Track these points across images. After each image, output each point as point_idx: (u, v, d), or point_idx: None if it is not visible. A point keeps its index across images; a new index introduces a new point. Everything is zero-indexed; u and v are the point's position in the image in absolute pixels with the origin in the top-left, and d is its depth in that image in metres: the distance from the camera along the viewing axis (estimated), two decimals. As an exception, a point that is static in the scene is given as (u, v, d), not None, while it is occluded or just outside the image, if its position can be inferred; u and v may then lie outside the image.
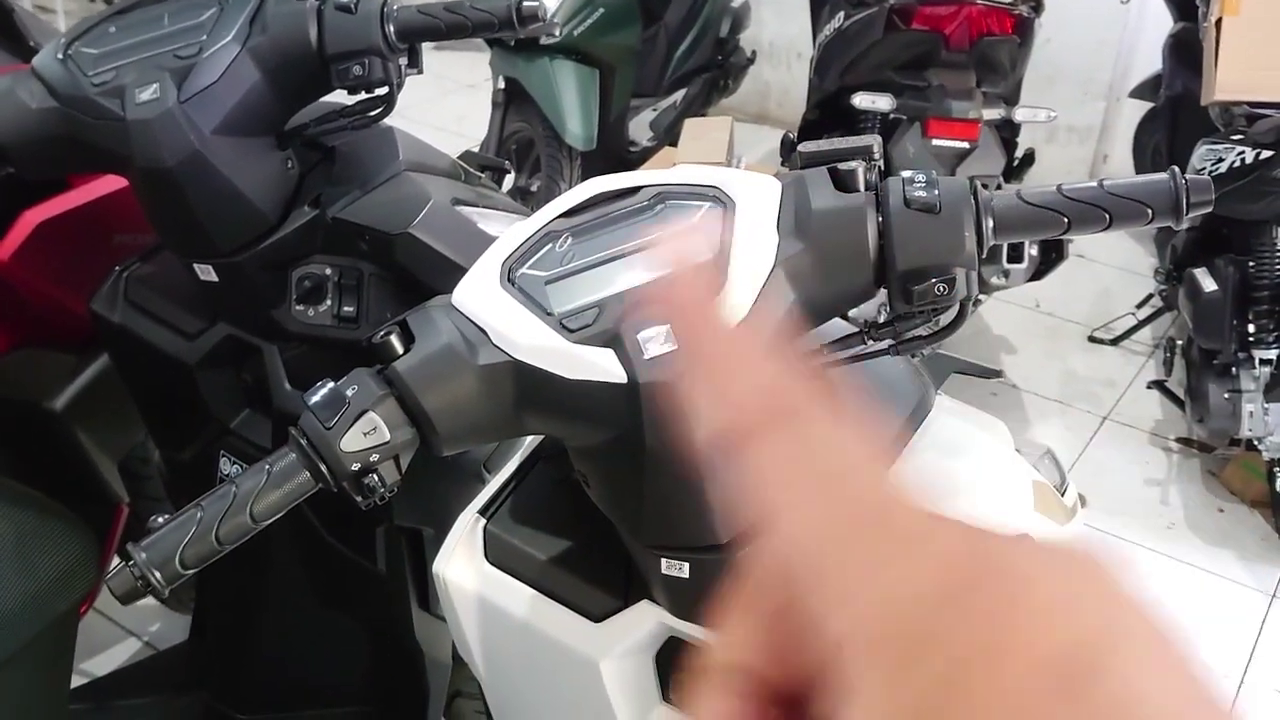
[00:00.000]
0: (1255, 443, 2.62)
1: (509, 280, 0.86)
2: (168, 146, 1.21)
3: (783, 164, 3.32)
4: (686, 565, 0.88)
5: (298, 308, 1.35)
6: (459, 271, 1.30)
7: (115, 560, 0.85)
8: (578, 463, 0.92)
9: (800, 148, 0.90)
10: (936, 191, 0.83)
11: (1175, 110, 3.32)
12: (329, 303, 1.34)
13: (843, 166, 0.85)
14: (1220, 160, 2.50)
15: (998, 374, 2.17)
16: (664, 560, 0.88)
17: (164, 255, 1.49)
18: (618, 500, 0.89)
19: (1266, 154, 2.38)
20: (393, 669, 1.60)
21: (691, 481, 0.82)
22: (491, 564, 1.02)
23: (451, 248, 1.28)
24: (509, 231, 0.90)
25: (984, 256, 0.85)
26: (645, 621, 0.95)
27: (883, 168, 0.89)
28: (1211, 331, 2.61)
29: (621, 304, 0.82)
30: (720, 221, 0.85)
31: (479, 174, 1.48)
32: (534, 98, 3.22)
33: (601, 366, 0.80)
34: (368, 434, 0.83)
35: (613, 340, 0.81)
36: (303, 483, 0.85)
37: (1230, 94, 2.47)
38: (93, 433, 1.79)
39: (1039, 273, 2.78)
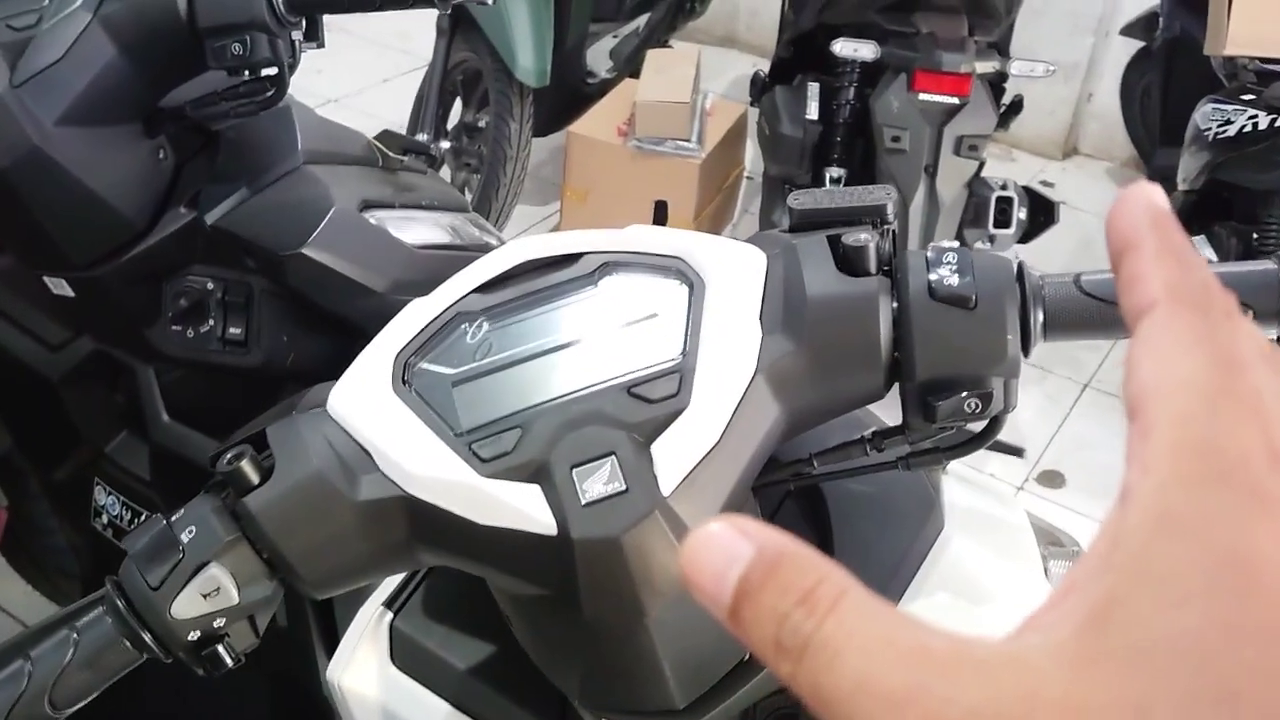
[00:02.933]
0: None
1: (403, 380, 0.65)
2: None
3: (751, 104, 3.08)
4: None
5: (174, 328, 1.12)
6: (365, 294, 1.09)
7: None
8: (498, 597, 0.72)
9: (792, 202, 0.68)
10: (971, 277, 0.62)
11: (1172, 54, 3.12)
12: (211, 323, 1.11)
13: (848, 238, 0.64)
14: (1229, 123, 2.30)
15: (1019, 453, 1.97)
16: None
17: (12, 253, 1.25)
18: (549, 657, 0.70)
19: (1285, 119, 2.18)
20: (298, 722, 1.42)
21: (640, 648, 0.63)
22: (399, 669, 0.84)
23: (357, 264, 1.05)
24: (405, 311, 0.68)
25: (1028, 357, 0.64)
26: None
27: (897, 231, 0.68)
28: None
29: (553, 421, 0.61)
30: (682, 307, 0.64)
31: (400, 158, 1.24)
32: (480, 26, 2.94)
33: (523, 512, 0.59)
34: (208, 595, 0.62)
35: (539, 473, 0.60)
36: (121, 655, 0.64)
37: (1242, 48, 2.26)
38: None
39: (1026, 236, 2.59)
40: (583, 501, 0.59)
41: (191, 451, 1.16)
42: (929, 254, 0.64)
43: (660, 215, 3.01)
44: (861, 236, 0.63)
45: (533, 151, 3.11)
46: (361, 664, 0.86)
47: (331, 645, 1.28)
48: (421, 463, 0.61)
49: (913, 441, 0.69)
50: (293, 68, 1.02)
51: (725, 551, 0.29)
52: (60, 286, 1.10)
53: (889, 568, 0.73)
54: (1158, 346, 0.28)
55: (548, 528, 0.59)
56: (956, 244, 0.65)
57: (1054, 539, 0.88)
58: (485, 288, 0.68)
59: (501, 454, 0.61)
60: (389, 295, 1.06)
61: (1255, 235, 2.38)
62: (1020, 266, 0.64)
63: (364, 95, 4.10)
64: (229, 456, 0.63)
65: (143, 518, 1.26)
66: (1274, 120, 2.20)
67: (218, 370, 1.14)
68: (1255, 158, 2.22)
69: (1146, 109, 3.59)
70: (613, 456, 0.59)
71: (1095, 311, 0.63)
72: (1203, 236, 2.50)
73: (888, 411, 0.72)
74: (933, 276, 0.62)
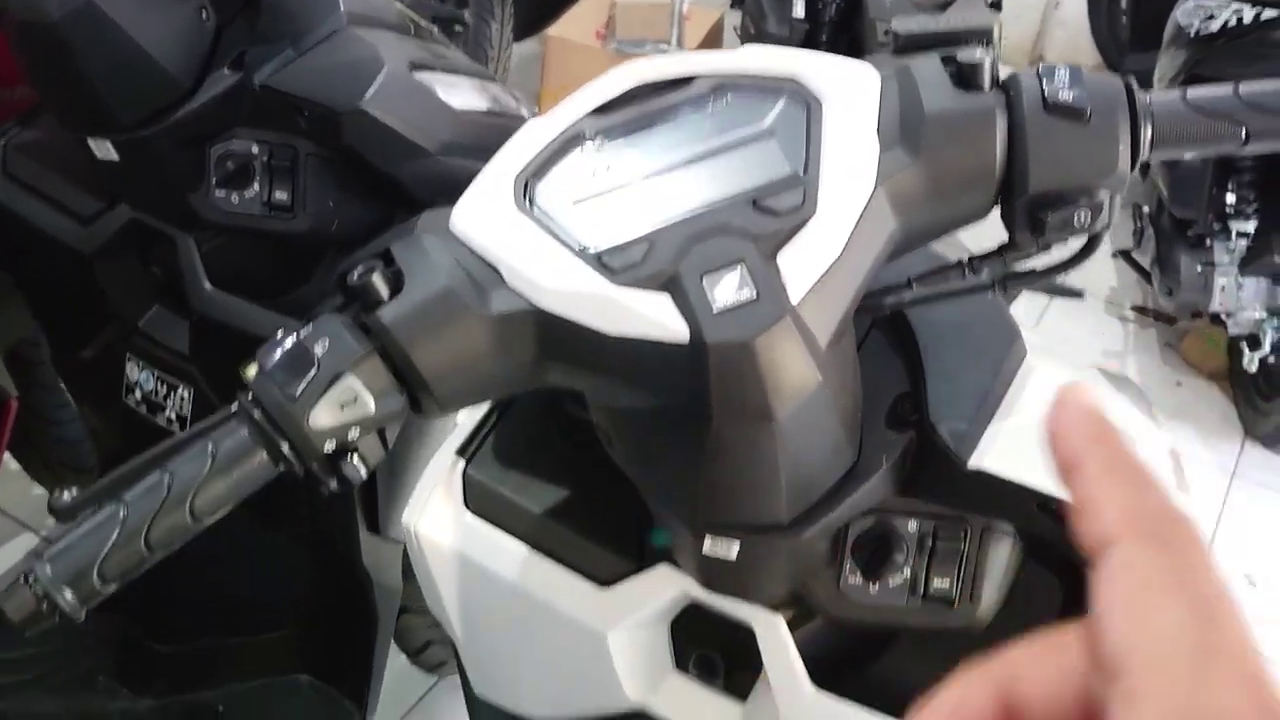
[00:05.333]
0: (1223, 317, 2.53)
1: (525, 200, 0.66)
2: None
3: (732, 5, 3.06)
4: (736, 546, 0.71)
5: (219, 193, 1.11)
6: (418, 154, 1.09)
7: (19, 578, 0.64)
8: (602, 420, 0.74)
9: (896, 25, 0.70)
10: (1083, 91, 0.64)
11: (1141, -42, 3.13)
12: (257, 187, 1.10)
13: (963, 55, 0.65)
14: (1211, 18, 2.33)
15: (1078, 294, 1.99)
16: (709, 538, 0.71)
17: (50, 117, 1.22)
18: (657, 473, 0.72)
19: (1270, 13, 2.20)
20: (336, 593, 1.43)
21: (762, 457, 0.64)
22: (474, 514, 0.86)
23: (411, 125, 1.05)
24: (521, 133, 0.69)
25: (1134, 171, 0.67)
26: (664, 590, 0.80)
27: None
28: (1188, 201, 2.48)
29: (680, 234, 0.62)
30: (800, 124, 0.65)
31: (431, 26, 1.23)
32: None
33: (655, 319, 0.61)
34: (345, 406, 0.63)
35: (669, 284, 0.61)
36: (259, 468, 0.65)
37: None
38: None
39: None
40: (715, 308, 0.60)
41: (234, 319, 1.16)
42: (1040, 70, 0.66)
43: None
44: (977, 53, 0.65)
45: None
46: (436, 511, 0.87)
47: (372, 515, 1.29)
48: (551, 275, 0.62)
49: (1009, 263, 0.71)
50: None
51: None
52: (105, 150, 1.08)
53: (979, 392, 0.75)
54: (1128, 593, 0.27)
55: (680, 335, 0.60)
56: (1072, 66, 0.66)
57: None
58: (601, 110, 0.69)
59: (630, 265, 0.62)
60: (439, 157, 1.06)
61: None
62: (1128, 83, 0.66)
63: None
64: (359, 271, 0.63)
65: (178, 391, 1.25)
66: (1259, 13, 2.22)
67: (262, 237, 1.13)
68: (1240, 50, 2.24)
69: (1114, 15, 3.60)
70: (741, 265, 0.61)
71: (1201, 126, 0.66)
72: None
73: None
74: (1047, 90, 0.64)
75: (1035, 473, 0.70)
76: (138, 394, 1.29)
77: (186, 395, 1.24)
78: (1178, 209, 2.51)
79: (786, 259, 0.61)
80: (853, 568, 0.75)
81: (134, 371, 1.29)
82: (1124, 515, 0.29)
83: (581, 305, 0.62)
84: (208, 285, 1.17)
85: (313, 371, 0.62)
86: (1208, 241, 2.49)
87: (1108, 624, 0.27)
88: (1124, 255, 2.86)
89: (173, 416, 1.26)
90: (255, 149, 1.10)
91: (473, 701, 0.98)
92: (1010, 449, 0.72)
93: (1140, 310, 2.93)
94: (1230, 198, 2.43)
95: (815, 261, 0.61)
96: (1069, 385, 0.33)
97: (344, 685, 1.52)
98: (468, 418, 0.91)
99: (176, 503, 0.63)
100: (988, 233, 0.72)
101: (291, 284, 1.19)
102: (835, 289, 0.63)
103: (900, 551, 0.74)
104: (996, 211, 0.68)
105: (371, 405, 0.63)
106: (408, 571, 1.46)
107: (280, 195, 1.10)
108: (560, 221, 0.65)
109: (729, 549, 0.72)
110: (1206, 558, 0.28)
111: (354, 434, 0.64)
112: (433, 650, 1.73)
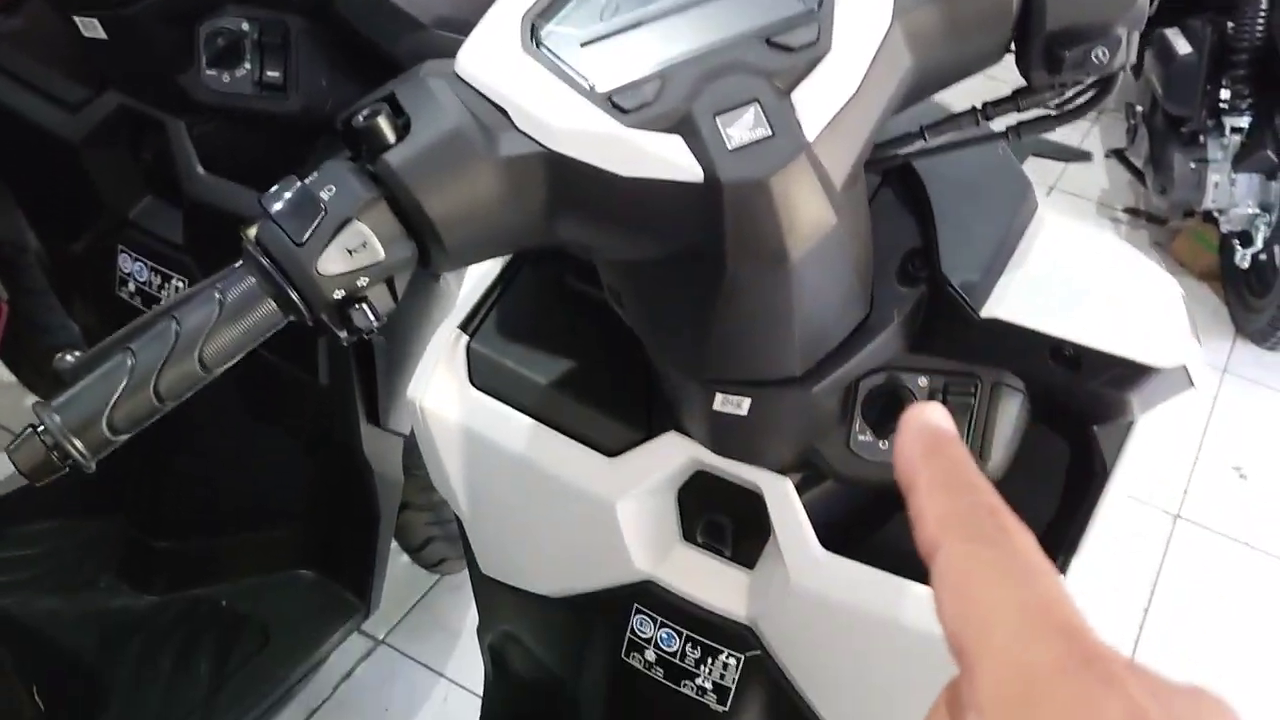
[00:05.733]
0: (1216, 214, 2.52)
1: (532, 42, 0.64)
2: None
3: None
4: (748, 402, 0.70)
5: (209, 72, 1.08)
6: (412, 27, 1.06)
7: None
8: (611, 278, 0.73)
9: None
10: None
11: None
12: (248, 66, 1.08)
13: None
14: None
15: (1087, 156, 1.96)
16: (720, 395, 0.70)
17: (35, 4, 1.19)
18: (669, 326, 0.71)
19: None
20: (337, 488, 1.43)
21: (776, 303, 0.64)
22: (478, 389, 0.85)
23: (405, -5, 1.03)
24: None
25: (1152, 9, 0.65)
26: (672, 457, 0.80)
27: None
28: (1182, 97, 2.46)
29: (692, 72, 0.61)
30: None
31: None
32: None
33: (668, 160, 0.59)
34: (354, 251, 0.61)
35: (682, 124, 0.60)
36: (267, 315, 0.63)
37: None
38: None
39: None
40: (729, 147, 0.59)
41: (229, 204, 1.14)
42: None
43: None
44: None
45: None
46: (441, 385, 0.86)
47: (372, 406, 1.29)
48: (562, 116, 0.61)
49: (1023, 109, 0.70)
50: None
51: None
52: (92, 28, 1.06)
53: (991, 243, 0.74)
54: (956, 585, 0.30)
55: (694, 174, 0.59)
56: None
57: None
58: None
59: (643, 104, 0.60)
60: (434, 30, 1.04)
61: (1231, 25, 2.38)
62: None
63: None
64: (364, 114, 0.62)
65: (172, 282, 1.24)
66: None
67: (254, 119, 1.11)
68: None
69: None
70: (756, 103, 0.59)
71: None
72: (1175, 29, 2.50)
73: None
74: None
75: (1048, 320, 0.70)
76: (131, 286, 1.28)
77: (181, 286, 1.23)
78: (1172, 105, 2.49)
79: (801, 96, 0.60)
80: (863, 426, 0.74)
81: (126, 263, 1.27)
82: (940, 522, 0.32)
83: (592, 147, 0.60)
84: (200, 169, 1.15)
85: (320, 217, 0.61)
86: (1201, 138, 2.47)
87: (943, 613, 0.30)
88: (1117, 154, 2.85)
89: (168, 308, 1.25)
90: (245, 25, 1.07)
91: (479, 581, 0.98)
92: (1022, 298, 0.71)
93: (1132, 211, 2.92)
94: (1224, 93, 2.41)
95: (831, 98, 0.60)
96: (913, 408, 0.36)
97: (347, 579, 1.54)
98: (470, 294, 0.91)
99: (185, 351, 0.62)
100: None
101: (285, 169, 1.17)
102: (850, 127, 0.61)
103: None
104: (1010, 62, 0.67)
105: (381, 251, 0.62)
106: (408, 466, 1.46)
107: (272, 74, 1.08)
108: (569, 62, 0.63)
109: (740, 405, 0.71)
110: (1027, 544, 0.31)
111: (363, 282, 0.63)
112: (433, 547, 1.74)
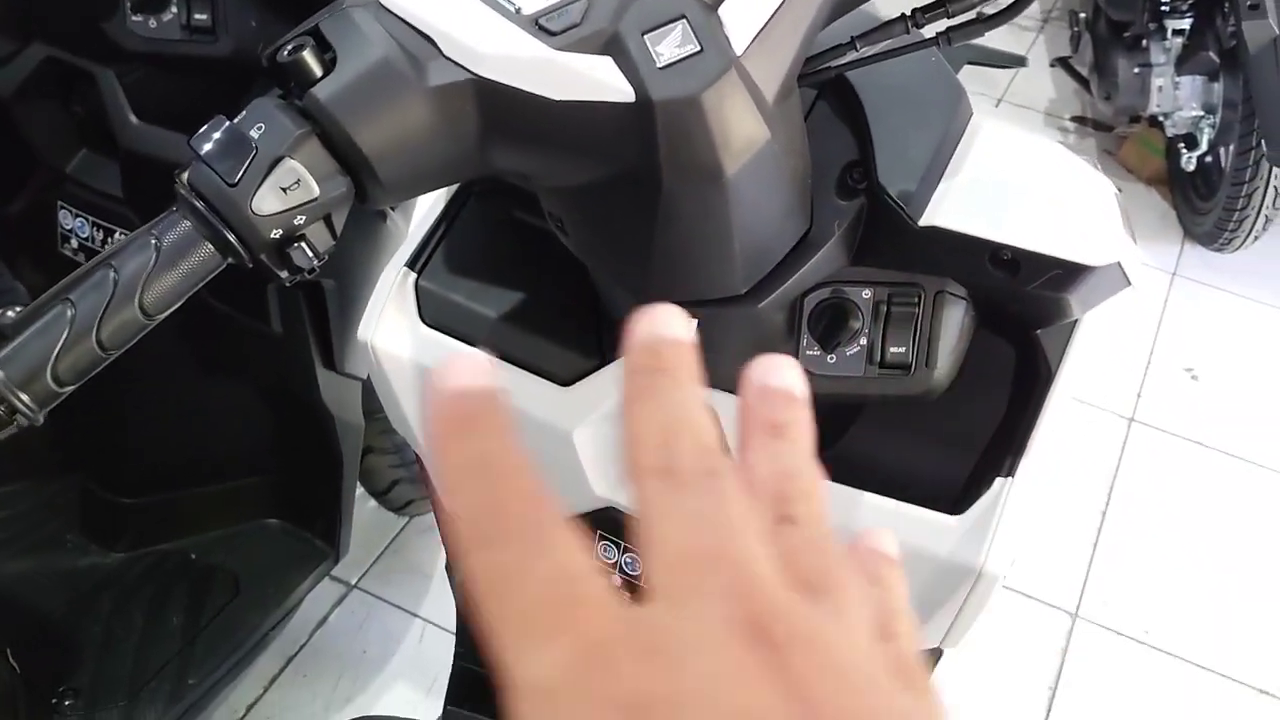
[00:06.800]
0: (1161, 118, 2.53)
1: None
2: None
3: None
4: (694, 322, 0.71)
5: (135, 18, 1.06)
6: (343, -36, 1.05)
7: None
8: (552, 205, 0.73)
9: None
10: None
11: None
12: (174, 9, 1.06)
13: None
14: None
15: (1022, 61, 1.96)
16: None
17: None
18: (612, 250, 0.71)
19: None
20: (298, 435, 1.43)
21: (714, 219, 0.64)
22: (429, 325, 0.85)
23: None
24: None
25: None
26: None
27: None
28: (1124, 2, 2.46)
29: None
30: None
31: None
32: None
33: (599, 80, 0.59)
34: (288, 189, 0.61)
35: (610, 44, 0.60)
36: (206, 259, 0.63)
37: None
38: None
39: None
40: (658, 64, 0.59)
41: (166, 152, 1.12)
42: None
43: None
44: None
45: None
46: (391, 324, 0.86)
47: (327, 352, 1.28)
48: (490, 41, 0.60)
49: (952, 14, 0.70)
50: None
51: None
52: (10, -24, 1.03)
53: (926, 152, 0.75)
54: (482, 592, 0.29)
55: (625, 94, 0.59)
56: None
57: None
58: None
59: (570, 26, 0.60)
60: (364, -34, 1.02)
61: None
62: None
63: None
64: (289, 49, 0.61)
65: (115, 235, 1.22)
66: None
67: (184, 65, 1.09)
68: None
69: None
70: (683, 20, 0.59)
71: None
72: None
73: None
74: None
75: (984, 225, 0.70)
76: (74, 242, 1.26)
77: (124, 238, 1.21)
78: (1114, 11, 2.49)
79: (728, 10, 0.60)
80: (810, 341, 0.75)
81: (67, 220, 1.26)
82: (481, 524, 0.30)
83: (522, 72, 0.60)
84: (134, 119, 1.13)
85: (251, 156, 0.60)
86: (1144, 43, 2.48)
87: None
88: (1062, 63, 2.85)
89: (112, 262, 1.23)
90: None
91: (445, 521, 0.98)
92: (959, 205, 0.72)
93: (1079, 120, 2.93)
94: (1165, -5, 2.41)
95: (757, 11, 0.60)
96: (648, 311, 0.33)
97: (315, 527, 1.54)
98: (416, 231, 0.90)
99: (125, 298, 0.62)
100: None
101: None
102: (779, 40, 0.61)
103: (856, 319, 0.74)
104: None
105: (315, 188, 0.61)
106: (369, 410, 1.46)
107: (199, 16, 1.06)
108: None
109: None
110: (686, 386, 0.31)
111: (300, 220, 0.62)
112: (399, 489, 1.75)
